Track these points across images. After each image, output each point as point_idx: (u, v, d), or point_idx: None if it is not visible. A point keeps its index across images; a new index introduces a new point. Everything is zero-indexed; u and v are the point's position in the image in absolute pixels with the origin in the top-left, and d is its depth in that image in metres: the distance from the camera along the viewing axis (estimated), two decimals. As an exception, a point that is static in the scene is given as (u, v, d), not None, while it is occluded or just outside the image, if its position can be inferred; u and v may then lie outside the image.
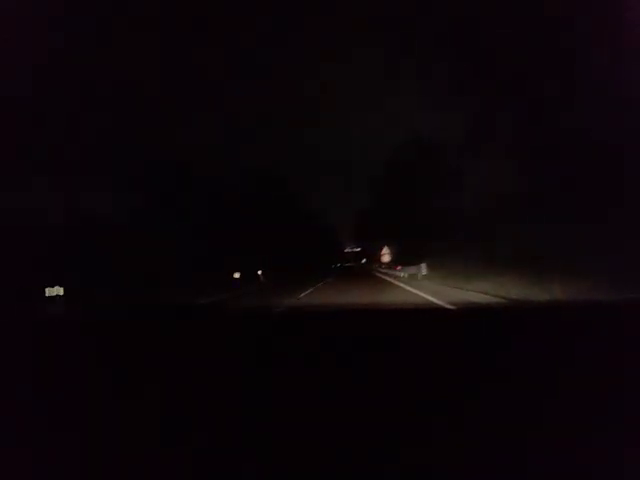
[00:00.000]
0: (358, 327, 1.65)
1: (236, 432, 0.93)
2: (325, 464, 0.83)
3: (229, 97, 15.90)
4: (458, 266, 10.46)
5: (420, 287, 8.70)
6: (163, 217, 12.04)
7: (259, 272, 15.86)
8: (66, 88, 9.05)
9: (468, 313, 2.56)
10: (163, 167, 12.60)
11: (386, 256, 21.48)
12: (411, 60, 14.74)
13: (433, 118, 15.34)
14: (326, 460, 0.83)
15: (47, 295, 5.86)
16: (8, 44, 7.13)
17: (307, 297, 8.02)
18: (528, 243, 8.68)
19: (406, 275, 13.30)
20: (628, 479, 0.78)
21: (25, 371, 1.25)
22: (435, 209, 15.94)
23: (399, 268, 15.29)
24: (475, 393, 1.02)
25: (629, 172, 6.61)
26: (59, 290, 5.94)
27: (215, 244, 14.19)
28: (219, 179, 15.90)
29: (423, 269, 11.91)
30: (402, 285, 10.31)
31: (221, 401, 1.05)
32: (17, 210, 7.62)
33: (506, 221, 10.28)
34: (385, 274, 17.91)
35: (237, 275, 14.26)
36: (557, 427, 0.88)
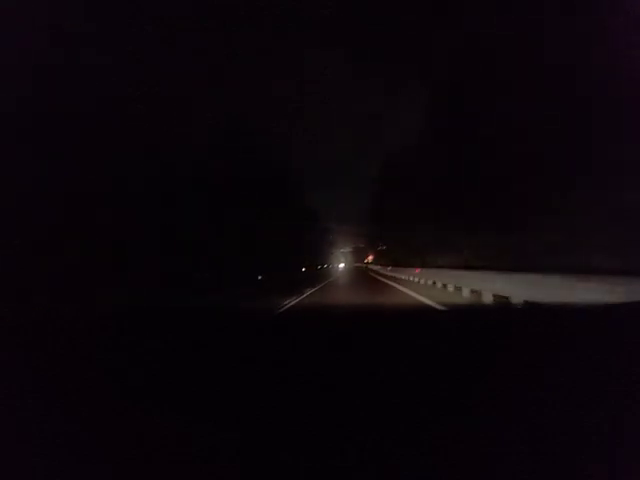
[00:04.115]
0: (358, 327, 1.65)
1: (235, 432, 0.93)
2: (325, 464, 0.83)
3: (229, 97, 15.88)
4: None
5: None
6: (161, 216, 12.01)
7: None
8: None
9: (468, 314, 2.57)
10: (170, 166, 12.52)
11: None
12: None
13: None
14: (326, 460, 0.83)
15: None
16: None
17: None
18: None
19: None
20: (628, 479, 0.78)
21: (25, 370, 1.24)
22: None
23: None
24: (476, 393, 1.02)
25: None
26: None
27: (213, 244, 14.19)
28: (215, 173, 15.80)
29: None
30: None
31: (220, 401, 1.04)
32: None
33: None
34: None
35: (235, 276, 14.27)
36: (557, 427, 0.88)
